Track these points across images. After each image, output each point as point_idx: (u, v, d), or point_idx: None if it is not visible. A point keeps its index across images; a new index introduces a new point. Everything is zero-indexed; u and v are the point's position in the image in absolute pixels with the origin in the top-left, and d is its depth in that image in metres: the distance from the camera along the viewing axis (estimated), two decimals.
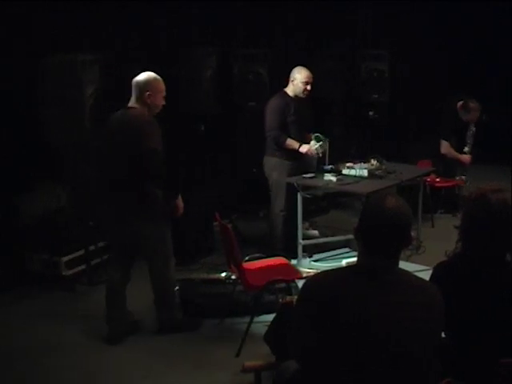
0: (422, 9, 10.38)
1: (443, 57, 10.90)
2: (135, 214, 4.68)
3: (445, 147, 7.99)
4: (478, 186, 2.91)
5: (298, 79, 6.37)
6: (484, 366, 2.54)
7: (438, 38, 10.74)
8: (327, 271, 2.63)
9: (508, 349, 2.63)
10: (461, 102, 7.98)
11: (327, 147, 6.42)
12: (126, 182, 4.63)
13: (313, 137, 6.39)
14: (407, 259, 6.03)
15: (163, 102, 4.76)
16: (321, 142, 6.33)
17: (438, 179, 7.77)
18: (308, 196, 6.46)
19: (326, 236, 7.07)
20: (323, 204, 8.34)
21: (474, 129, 8.06)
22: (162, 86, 4.75)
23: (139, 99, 4.67)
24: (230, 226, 5.03)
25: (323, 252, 6.75)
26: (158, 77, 4.75)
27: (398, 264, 2.50)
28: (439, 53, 10.85)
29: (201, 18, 7.58)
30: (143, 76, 4.70)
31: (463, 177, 7.96)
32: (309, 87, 6.38)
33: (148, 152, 4.47)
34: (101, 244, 6.10)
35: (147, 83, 4.67)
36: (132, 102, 4.70)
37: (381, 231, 2.43)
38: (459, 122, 8.02)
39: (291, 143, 6.32)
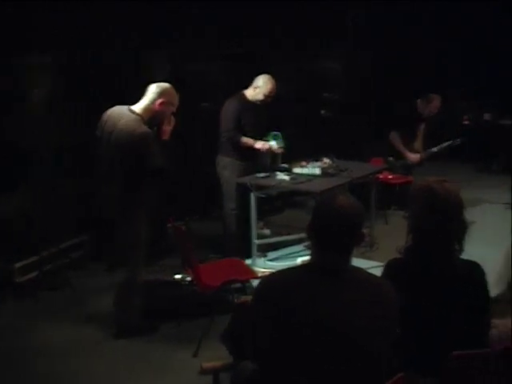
0: (379, 7, 10.46)
1: (402, 56, 11.03)
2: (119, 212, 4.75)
3: (393, 137, 8.09)
4: (423, 178, 2.98)
5: (262, 90, 6.33)
6: (439, 359, 2.58)
7: (400, 36, 10.84)
8: (281, 270, 2.64)
9: (461, 341, 2.68)
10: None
11: (282, 146, 6.45)
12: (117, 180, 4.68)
13: (270, 135, 6.41)
14: (361, 256, 6.08)
15: (169, 117, 4.85)
16: (278, 141, 6.36)
17: (390, 176, 7.86)
18: (262, 196, 6.48)
19: (281, 235, 7.09)
20: (277, 203, 8.37)
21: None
22: (177, 101, 4.83)
23: (149, 104, 4.72)
24: (183, 227, 5.02)
25: (278, 251, 6.78)
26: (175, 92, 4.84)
27: (350, 261, 2.53)
28: (399, 52, 10.98)
29: (153, 18, 7.52)
30: (164, 84, 4.80)
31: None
32: (269, 100, 6.40)
33: (154, 171, 4.61)
34: (54, 249, 6.03)
35: (165, 92, 4.75)
36: (138, 105, 4.74)
37: (332, 229, 2.45)
38: (415, 116, 8.15)
39: (246, 141, 6.33)
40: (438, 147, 8.28)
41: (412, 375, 2.59)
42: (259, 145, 6.34)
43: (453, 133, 9.50)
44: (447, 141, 8.33)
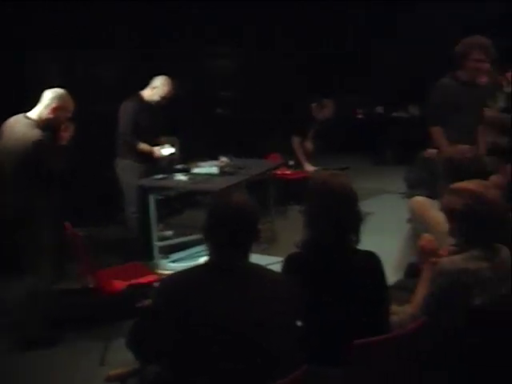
0: (279, 8, 10.53)
1: (299, 57, 11.17)
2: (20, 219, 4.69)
3: (295, 143, 8.21)
4: (319, 173, 3.04)
5: (159, 91, 6.32)
6: (342, 350, 2.63)
7: (297, 37, 10.97)
8: (179, 272, 2.64)
9: (362, 330, 2.74)
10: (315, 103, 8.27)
11: (178, 148, 6.44)
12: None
13: (164, 140, 6.39)
14: (263, 252, 6.12)
15: (64, 122, 4.82)
16: (173, 148, 6.36)
17: (288, 172, 7.95)
18: (160, 197, 6.43)
19: (183, 236, 7.05)
20: (177, 204, 8.32)
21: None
22: (72, 107, 4.82)
23: (43, 110, 4.70)
24: (80, 233, 4.92)
25: (181, 252, 6.74)
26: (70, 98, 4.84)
27: (248, 258, 2.54)
28: (294, 52, 11.13)
29: (46, 20, 7.33)
30: (58, 90, 4.79)
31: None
32: (164, 101, 6.35)
33: (51, 176, 4.59)
34: None
35: (59, 97, 4.75)
36: (33, 112, 4.71)
37: (227, 227, 2.47)
38: (311, 120, 8.29)
39: (143, 147, 6.28)
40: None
41: (316, 367, 2.63)
42: (157, 152, 6.32)
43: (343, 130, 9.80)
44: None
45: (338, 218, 2.90)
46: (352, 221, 2.96)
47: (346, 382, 2.68)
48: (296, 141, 8.26)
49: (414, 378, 2.96)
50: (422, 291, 3.23)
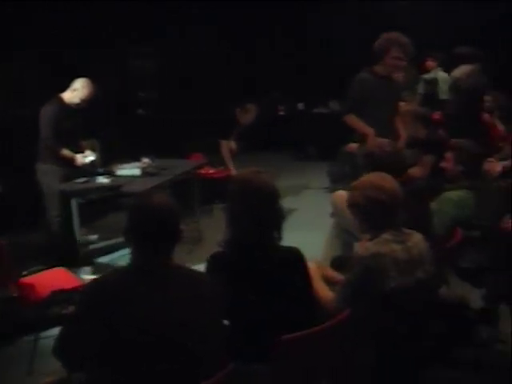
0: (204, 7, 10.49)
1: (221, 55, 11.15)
2: None
3: (223, 148, 8.21)
4: (239, 171, 3.04)
5: (79, 94, 6.23)
6: (267, 346, 2.64)
7: (220, 36, 10.95)
8: (103, 275, 2.60)
9: (289, 325, 2.76)
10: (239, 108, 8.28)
11: (99, 151, 6.35)
12: None
13: (84, 144, 6.30)
14: (190, 252, 6.11)
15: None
16: (93, 156, 6.28)
17: (211, 171, 7.94)
18: (82, 201, 6.33)
19: (107, 239, 6.96)
20: (101, 207, 8.19)
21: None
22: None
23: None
24: (2, 241, 4.78)
25: (107, 256, 6.64)
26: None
27: (171, 259, 2.54)
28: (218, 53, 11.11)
29: None
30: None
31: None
32: (84, 104, 6.27)
33: None
34: None
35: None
36: None
37: (148, 229, 2.46)
38: (235, 123, 8.29)
39: (65, 154, 6.17)
40: None
41: (243, 365, 2.64)
42: (79, 160, 6.24)
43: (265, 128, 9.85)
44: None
45: (259, 216, 2.92)
46: (274, 218, 2.98)
47: (272, 377, 2.70)
48: (223, 144, 8.25)
49: (340, 369, 3.01)
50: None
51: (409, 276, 3.10)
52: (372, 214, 3.20)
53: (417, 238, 3.26)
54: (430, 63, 8.86)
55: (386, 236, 3.14)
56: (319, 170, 9.60)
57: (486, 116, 7.49)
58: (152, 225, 2.46)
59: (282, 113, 12.31)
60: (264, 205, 2.92)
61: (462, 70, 6.61)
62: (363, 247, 3.14)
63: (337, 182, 8.24)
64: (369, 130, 5.52)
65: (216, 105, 9.07)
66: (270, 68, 11.73)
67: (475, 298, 4.66)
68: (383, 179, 3.27)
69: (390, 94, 5.69)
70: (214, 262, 2.94)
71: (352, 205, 3.31)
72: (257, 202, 2.91)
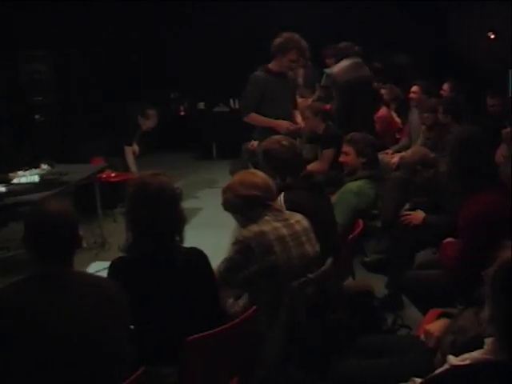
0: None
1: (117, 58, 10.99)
2: None
3: (127, 151, 8.10)
4: (137, 173, 3.00)
5: None
6: (175, 347, 2.63)
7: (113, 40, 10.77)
8: (3, 287, 2.52)
9: (197, 326, 2.75)
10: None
11: None
12: None
13: None
14: (94, 257, 5.99)
15: None
16: None
17: (113, 174, 7.81)
18: None
19: (8, 250, 6.74)
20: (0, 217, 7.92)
21: None
22: None
23: None
24: None
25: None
26: None
27: (72, 266, 2.50)
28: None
29: None
30: None
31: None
32: None
33: None
34: None
35: None
36: None
37: (46, 236, 2.41)
38: (139, 129, 8.21)
39: None
40: None
41: (152, 368, 2.62)
42: None
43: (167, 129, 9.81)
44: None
45: (158, 218, 2.89)
46: (174, 220, 2.96)
47: (181, 379, 2.69)
48: (127, 149, 8.14)
49: (247, 365, 3.04)
50: None
51: (296, 250, 3.29)
52: (249, 209, 3.34)
53: (298, 217, 3.46)
54: (328, 61, 9.02)
55: (267, 218, 3.31)
56: (222, 168, 9.60)
57: (382, 109, 7.70)
58: (47, 232, 2.40)
59: (182, 113, 12.26)
60: (163, 207, 2.90)
61: (339, 66, 6.74)
62: (246, 230, 3.28)
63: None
64: (277, 122, 5.59)
65: (115, 107, 8.93)
66: (167, 69, 11.65)
67: (379, 286, 4.79)
68: (254, 175, 3.46)
69: (286, 90, 5.79)
70: (115, 267, 2.89)
71: (228, 206, 3.47)
72: (156, 204, 2.88)
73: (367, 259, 5.45)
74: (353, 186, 5.11)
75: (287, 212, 3.47)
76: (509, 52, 8.33)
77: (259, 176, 3.46)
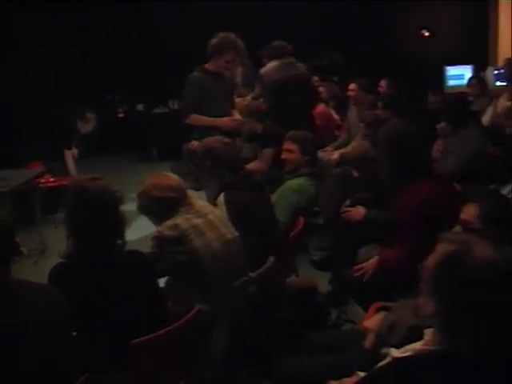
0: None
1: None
2: None
3: (67, 155, 7.98)
4: (75, 178, 2.98)
5: None
6: (121, 352, 2.61)
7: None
8: None
9: (143, 328, 2.73)
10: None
11: None
12: None
13: None
14: (35, 264, 5.89)
15: None
16: None
17: (52, 179, 7.68)
18: None
19: None
20: None
21: None
22: None
23: None
24: None
25: None
26: None
27: (9, 273, 2.44)
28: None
29: None
30: None
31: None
32: None
33: None
34: None
35: None
36: None
37: None
38: (78, 133, 8.09)
39: None
40: None
41: (97, 374, 2.59)
42: None
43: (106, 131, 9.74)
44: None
45: (98, 223, 2.87)
46: (114, 224, 2.94)
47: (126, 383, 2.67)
48: (67, 153, 8.02)
49: (193, 366, 3.04)
50: None
51: (212, 234, 3.43)
52: (163, 210, 3.45)
53: (210, 208, 3.67)
54: (264, 61, 9.05)
55: (179, 213, 3.44)
56: (164, 169, 9.49)
57: (320, 106, 7.75)
58: None
59: (121, 115, 12.12)
60: (102, 212, 2.88)
61: (266, 67, 6.76)
62: (161, 226, 3.39)
63: (182, 179, 8.21)
64: (218, 120, 5.58)
65: (53, 111, 8.79)
66: (104, 71, 11.54)
67: (324, 283, 4.82)
68: (166, 178, 3.60)
69: (223, 90, 5.79)
70: (55, 273, 2.85)
71: (143, 210, 3.58)
72: (95, 208, 2.86)
73: (315, 258, 5.47)
74: (293, 183, 5.12)
75: (197, 204, 3.58)
76: (444, 49, 8.50)
77: (172, 178, 3.61)
